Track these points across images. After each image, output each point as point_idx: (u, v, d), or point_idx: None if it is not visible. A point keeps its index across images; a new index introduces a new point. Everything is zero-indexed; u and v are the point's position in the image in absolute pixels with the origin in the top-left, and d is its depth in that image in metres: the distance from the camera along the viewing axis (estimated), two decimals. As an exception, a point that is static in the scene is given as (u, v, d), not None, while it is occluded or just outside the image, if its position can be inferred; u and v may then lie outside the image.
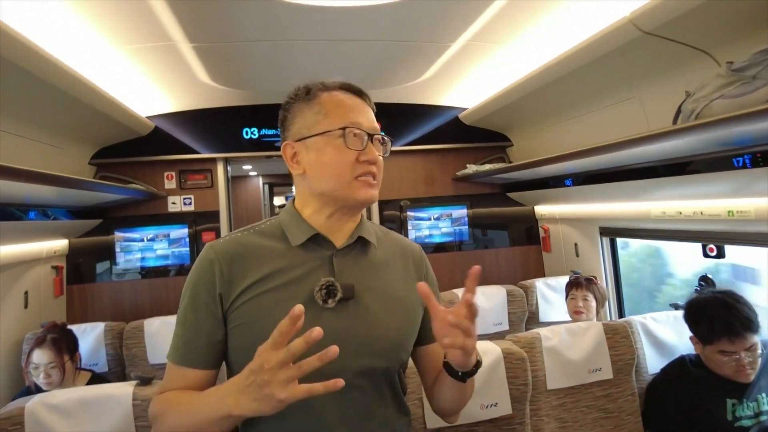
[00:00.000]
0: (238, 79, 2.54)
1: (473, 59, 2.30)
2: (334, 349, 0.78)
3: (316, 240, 1.03)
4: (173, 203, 3.14)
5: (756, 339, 1.69)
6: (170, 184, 3.14)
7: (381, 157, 1.03)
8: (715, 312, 1.73)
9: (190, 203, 3.16)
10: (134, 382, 1.54)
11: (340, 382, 0.79)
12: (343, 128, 0.99)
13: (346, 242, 1.05)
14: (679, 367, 1.87)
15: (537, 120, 2.90)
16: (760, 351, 1.71)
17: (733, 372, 1.72)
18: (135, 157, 3.00)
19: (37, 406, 1.42)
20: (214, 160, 3.17)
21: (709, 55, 1.69)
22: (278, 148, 2.91)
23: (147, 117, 2.89)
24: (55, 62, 1.74)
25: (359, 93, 1.06)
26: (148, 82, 2.42)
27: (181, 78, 2.40)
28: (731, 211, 1.96)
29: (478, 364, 1.00)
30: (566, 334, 1.85)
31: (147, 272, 3.11)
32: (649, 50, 1.75)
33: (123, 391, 1.50)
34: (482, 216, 3.48)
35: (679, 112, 1.61)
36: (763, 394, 1.73)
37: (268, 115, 3.09)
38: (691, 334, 1.84)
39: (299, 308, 0.78)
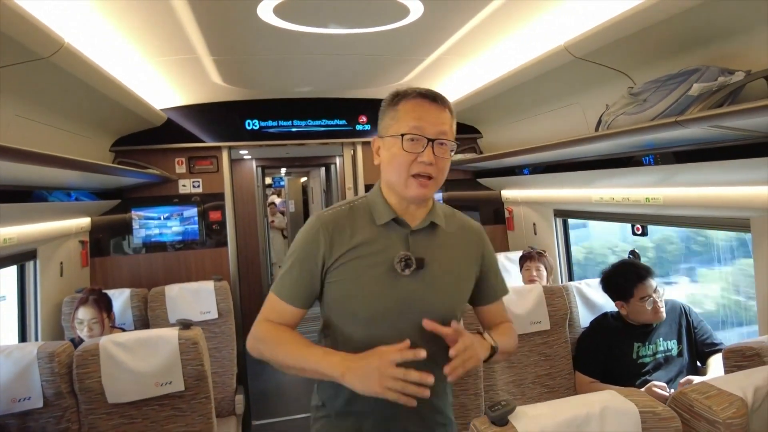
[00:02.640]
0: (246, 81, 2.95)
1: (446, 68, 2.74)
2: (420, 353, 1.11)
3: (396, 221, 1.28)
4: (183, 185, 3.55)
5: (657, 283, 2.21)
6: (180, 169, 3.55)
7: (443, 159, 1.22)
8: (624, 270, 2.26)
9: (198, 186, 3.57)
10: (178, 327, 1.99)
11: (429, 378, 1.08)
12: (402, 134, 1.21)
13: (419, 224, 1.29)
14: (602, 319, 2.40)
15: (503, 117, 3.36)
16: (661, 292, 2.23)
17: (654, 313, 2.20)
18: (149, 145, 3.39)
19: (108, 343, 1.88)
20: (219, 148, 3.58)
21: (627, 75, 2.15)
22: (275, 137, 3.31)
23: (161, 109, 3.28)
24: (92, 65, 2.05)
25: (434, 99, 1.24)
26: (165, 82, 2.81)
27: (197, 80, 2.80)
28: (648, 198, 2.46)
29: (493, 350, 1.27)
30: (513, 294, 2.32)
31: (160, 246, 3.53)
32: (582, 69, 2.21)
33: (170, 333, 1.95)
34: (456, 198, 3.95)
35: (600, 121, 2.08)
36: (661, 338, 2.25)
37: (268, 108, 3.52)
38: (615, 301, 2.34)
39: (412, 351, 1.10)
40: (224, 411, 2.91)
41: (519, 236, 3.83)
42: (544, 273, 2.98)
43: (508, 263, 3.46)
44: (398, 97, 1.27)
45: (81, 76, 2.05)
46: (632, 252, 2.80)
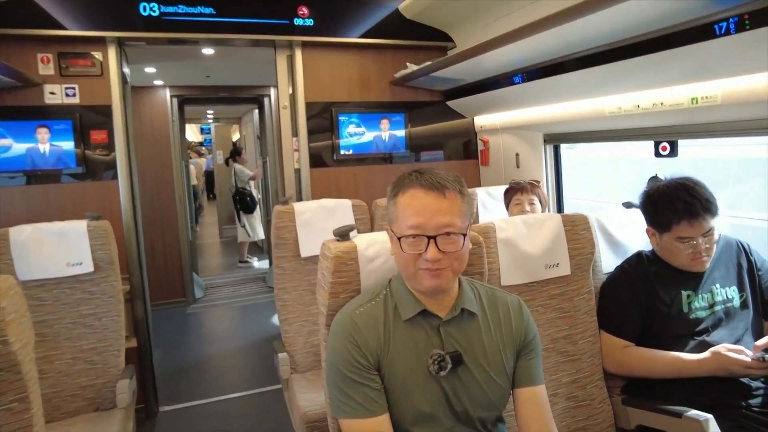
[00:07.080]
0: None
1: None
2: None
3: (424, 313, 1.15)
4: (52, 93, 2.54)
5: (713, 224, 1.58)
6: (47, 69, 2.53)
7: (453, 251, 1.09)
8: (675, 195, 1.59)
9: (74, 94, 2.57)
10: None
11: None
12: (399, 238, 1.11)
13: (449, 314, 1.16)
14: (636, 262, 1.74)
15: (480, 15, 2.60)
16: (716, 238, 1.61)
17: (690, 260, 1.61)
18: (-6, 28, 2.36)
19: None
20: (103, 41, 2.57)
21: None
22: (182, 28, 2.46)
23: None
24: None
25: (431, 186, 1.09)
26: None
27: None
28: (695, 98, 1.82)
29: None
30: (522, 225, 1.64)
31: (20, 176, 2.54)
32: None
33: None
34: (421, 126, 3.22)
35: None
36: (717, 285, 1.64)
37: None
38: (646, 227, 1.72)
39: None
40: (106, 403, 2.07)
41: (495, 172, 3.15)
42: (539, 207, 2.32)
43: (487, 198, 2.76)
44: (397, 187, 1.15)
45: None
46: (653, 178, 2.19)
